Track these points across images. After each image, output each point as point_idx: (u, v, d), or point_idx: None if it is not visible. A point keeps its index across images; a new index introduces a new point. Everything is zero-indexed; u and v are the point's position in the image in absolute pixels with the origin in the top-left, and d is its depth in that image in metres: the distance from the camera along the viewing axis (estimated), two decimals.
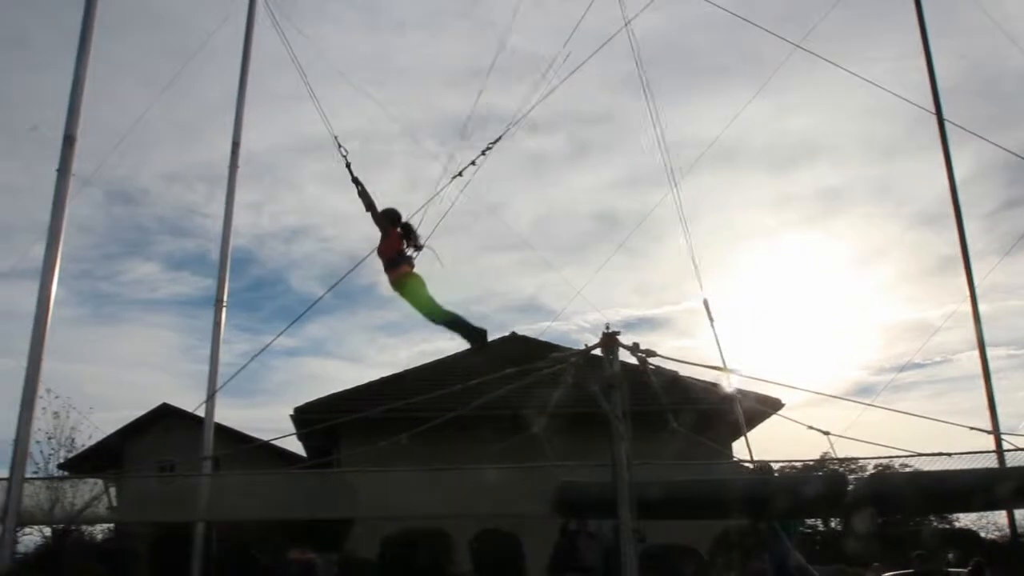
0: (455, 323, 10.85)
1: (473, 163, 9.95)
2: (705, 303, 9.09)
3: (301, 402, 19.58)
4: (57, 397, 19.07)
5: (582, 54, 11.63)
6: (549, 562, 13.28)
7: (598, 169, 57.52)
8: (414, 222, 10.86)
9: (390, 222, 10.89)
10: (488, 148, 9.96)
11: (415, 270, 10.71)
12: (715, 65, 48.89)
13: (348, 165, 11.43)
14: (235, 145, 14.49)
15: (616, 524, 8.59)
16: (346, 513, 14.30)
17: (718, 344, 9.21)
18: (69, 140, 10.92)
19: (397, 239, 10.82)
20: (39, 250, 11.13)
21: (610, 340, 8.39)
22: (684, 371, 9.66)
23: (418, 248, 11.04)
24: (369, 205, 11.04)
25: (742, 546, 13.54)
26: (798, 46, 10.98)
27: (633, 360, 8.82)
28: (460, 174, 10.04)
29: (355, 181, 11.27)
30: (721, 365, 9.19)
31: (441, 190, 10.25)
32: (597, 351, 8.74)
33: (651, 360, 8.75)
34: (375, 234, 10.51)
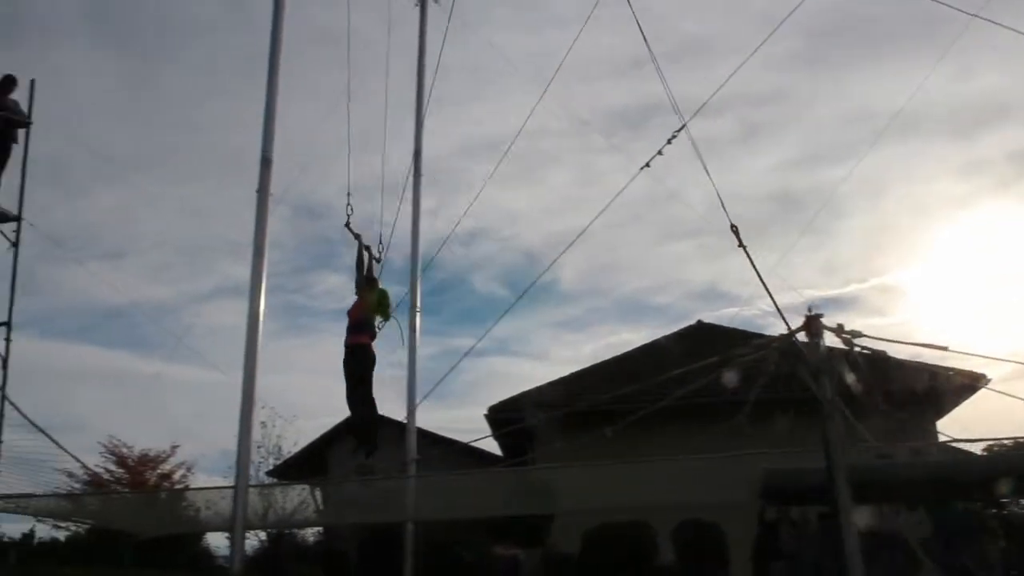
0: (365, 419, 11.38)
1: (660, 152, 9.85)
2: (733, 228, 8.68)
3: (492, 401, 19.84)
4: (263, 407, 19.96)
5: (746, 34, 11.37)
6: (752, 551, 13.09)
7: (771, 149, 56.01)
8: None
9: (370, 288, 11.38)
10: (673, 137, 9.82)
11: (373, 344, 11.50)
12: (892, 33, 46.75)
13: (348, 223, 11.98)
14: (417, 153, 14.65)
15: (824, 512, 8.37)
16: (547, 509, 14.41)
17: (756, 271, 8.73)
18: (266, 161, 11.24)
19: (367, 305, 11.50)
20: (237, 269, 11.74)
21: (813, 323, 8.11)
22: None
23: (386, 318, 11.43)
24: (360, 264, 11.49)
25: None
26: (976, 16, 10.41)
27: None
28: (648, 165, 9.97)
29: (356, 237, 11.77)
30: (929, 342, 8.71)
31: (629, 182, 10.24)
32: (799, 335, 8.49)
33: (856, 341, 8.45)
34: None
